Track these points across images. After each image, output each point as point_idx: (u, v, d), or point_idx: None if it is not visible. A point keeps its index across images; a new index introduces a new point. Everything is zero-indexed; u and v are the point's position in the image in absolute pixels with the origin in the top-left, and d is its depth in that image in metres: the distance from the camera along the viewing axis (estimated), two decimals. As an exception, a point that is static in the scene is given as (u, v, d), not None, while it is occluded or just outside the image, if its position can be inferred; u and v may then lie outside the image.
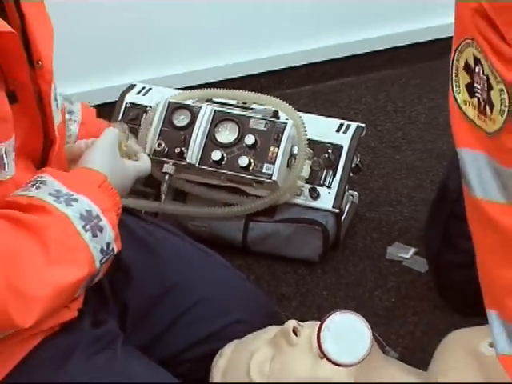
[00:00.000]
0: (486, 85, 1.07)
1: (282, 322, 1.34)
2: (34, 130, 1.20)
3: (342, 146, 1.89)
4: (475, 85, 1.10)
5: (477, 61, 1.07)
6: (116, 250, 1.20)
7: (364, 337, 1.25)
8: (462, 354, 1.39)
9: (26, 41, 1.14)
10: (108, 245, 1.17)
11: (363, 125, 1.95)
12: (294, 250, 1.92)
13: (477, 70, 1.08)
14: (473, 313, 1.33)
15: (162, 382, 1.30)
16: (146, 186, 1.89)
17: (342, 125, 1.94)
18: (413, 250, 1.94)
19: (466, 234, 1.21)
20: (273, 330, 1.37)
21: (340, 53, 2.63)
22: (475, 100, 1.10)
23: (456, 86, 1.13)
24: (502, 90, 1.04)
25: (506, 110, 1.05)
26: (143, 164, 1.37)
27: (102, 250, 1.15)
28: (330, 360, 1.24)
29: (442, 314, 1.77)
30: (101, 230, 1.15)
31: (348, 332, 1.25)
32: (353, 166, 1.90)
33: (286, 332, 1.30)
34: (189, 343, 1.43)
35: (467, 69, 1.10)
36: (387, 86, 2.60)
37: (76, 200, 1.14)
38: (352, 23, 2.60)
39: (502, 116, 1.06)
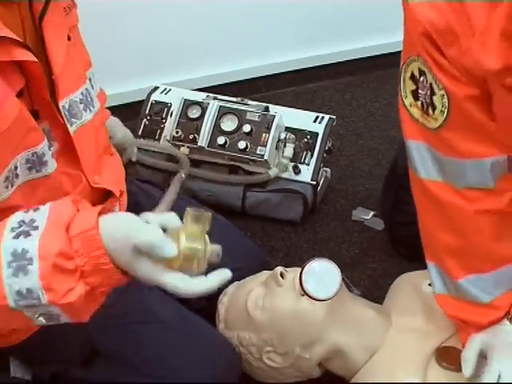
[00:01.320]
0: (429, 91, 1.06)
1: (272, 269, 1.34)
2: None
3: (317, 133, 1.88)
4: (419, 91, 1.08)
5: (421, 72, 1.06)
6: (47, 302, 0.86)
7: (335, 278, 1.24)
8: (408, 291, 1.39)
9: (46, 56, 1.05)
10: (29, 290, 0.86)
11: (334, 117, 1.94)
12: (281, 213, 1.90)
13: (421, 80, 1.07)
14: (416, 259, 1.33)
15: (182, 315, 1.28)
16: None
17: (317, 117, 1.92)
18: (372, 212, 1.93)
19: (411, 201, 1.21)
20: (265, 274, 1.36)
21: (317, 62, 2.62)
22: (419, 103, 1.09)
23: (403, 91, 1.12)
24: (443, 95, 1.03)
25: (446, 110, 1.04)
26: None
27: (19, 292, 0.86)
28: (309, 296, 1.24)
29: (394, 261, 1.75)
30: (26, 273, 0.85)
31: (323, 274, 1.24)
32: (326, 148, 1.89)
33: (275, 276, 1.30)
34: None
35: (412, 78, 1.09)
36: (352, 88, 2.59)
37: (31, 236, 0.86)
38: (325, 40, 2.59)
39: (442, 116, 1.05)
